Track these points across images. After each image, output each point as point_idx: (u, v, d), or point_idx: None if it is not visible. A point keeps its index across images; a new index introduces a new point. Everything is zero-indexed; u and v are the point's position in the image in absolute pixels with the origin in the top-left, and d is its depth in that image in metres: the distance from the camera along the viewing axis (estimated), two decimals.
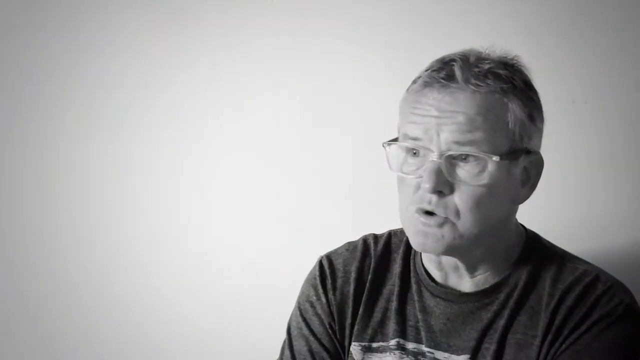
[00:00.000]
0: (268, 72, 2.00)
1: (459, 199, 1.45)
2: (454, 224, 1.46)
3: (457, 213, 1.46)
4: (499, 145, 1.46)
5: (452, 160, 1.45)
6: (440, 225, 1.46)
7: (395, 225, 1.62)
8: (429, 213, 1.46)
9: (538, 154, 1.52)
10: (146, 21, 2.03)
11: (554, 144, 1.67)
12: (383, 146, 1.51)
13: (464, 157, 1.45)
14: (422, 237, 1.47)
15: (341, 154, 1.99)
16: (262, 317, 2.03)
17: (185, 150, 2.04)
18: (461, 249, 1.49)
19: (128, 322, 2.10)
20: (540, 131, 1.52)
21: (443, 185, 1.45)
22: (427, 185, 1.44)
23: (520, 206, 1.57)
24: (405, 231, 1.52)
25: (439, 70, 1.48)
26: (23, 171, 2.10)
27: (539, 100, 1.52)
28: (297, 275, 1.74)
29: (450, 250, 1.48)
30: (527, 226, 1.62)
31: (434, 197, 1.45)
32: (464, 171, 1.45)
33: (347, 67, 1.97)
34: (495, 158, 1.44)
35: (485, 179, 1.45)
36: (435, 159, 1.45)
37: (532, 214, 1.64)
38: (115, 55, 2.05)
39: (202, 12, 2.01)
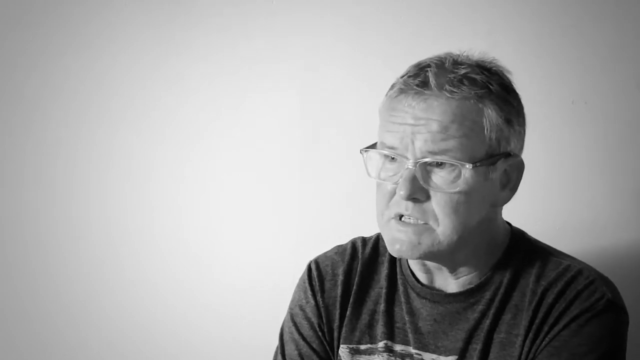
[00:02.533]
0: (268, 72, 2.00)
1: (437, 205, 1.45)
2: (433, 231, 1.46)
3: (436, 219, 1.46)
4: (475, 151, 1.45)
5: (427, 167, 1.45)
6: (418, 232, 1.46)
7: None
8: (406, 218, 1.47)
9: (518, 156, 1.51)
10: (145, 21, 2.03)
11: (554, 144, 1.67)
12: (360, 152, 1.52)
13: (439, 164, 1.45)
14: (399, 244, 1.47)
15: (340, 155, 1.99)
16: (260, 319, 2.03)
17: (184, 150, 2.04)
18: (440, 255, 1.48)
19: (128, 323, 2.10)
20: (519, 134, 1.50)
21: (418, 192, 1.45)
22: (402, 192, 1.44)
23: (518, 206, 1.57)
24: (383, 237, 1.52)
25: (414, 76, 1.47)
26: (23, 172, 2.10)
27: (519, 103, 1.51)
28: (296, 278, 1.74)
29: (429, 256, 1.48)
30: (525, 226, 1.61)
31: (410, 204, 1.45)
32: (439, 177, 1.45)
33: (346, 67, 1.97)
34: (469, 166, 1.44)
35: (460, 185, 1.44)
36: (410, 167, 1.45)
37: (529, 214, 1.65)
38: (115, 55, 2.05)
39: (202, 12, 2.01)
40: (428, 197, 1.45)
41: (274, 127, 2.01)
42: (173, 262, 2.07)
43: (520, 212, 1.60)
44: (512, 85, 1.51)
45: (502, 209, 1.55)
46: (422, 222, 1.46)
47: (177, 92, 2.03)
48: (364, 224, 1.76)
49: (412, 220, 1.46)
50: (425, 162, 1.44)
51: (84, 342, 2.10)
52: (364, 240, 1.65)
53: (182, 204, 2.06)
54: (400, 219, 1.48)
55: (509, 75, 1.51)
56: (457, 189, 1.44)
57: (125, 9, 2.04)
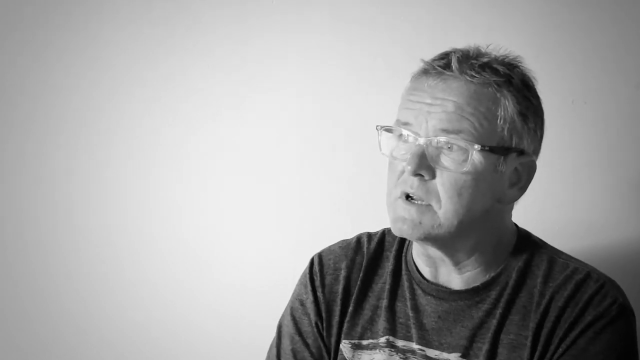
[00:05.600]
0: (267, 71, 2.00)
1: (441, 185, 1.47)
2: (434, 213, 1.47)
3: (439, 200, 1.47)
4: (486, 138, 1.47)
5: (437, 147, 1.47)
6: (421, 212, 1.47)
7: None
8: (411, 198, 1.48)
9: (531, 157, 1.52)
10: (145, 20, 2.03)
11: (554, 143, 1.67)
12: (376, 130, 1.54)
13: (450, 146, 1.47)
14: (401, 223, 1.49)
15: (340, 153, 1.99)
16: (260, 319, 2.03)
17: (184, 150, 2.05)
18: (441, 239, 1.49)
19: (128, 323, 2.10)
20: (534, 134, 1.52)
21: (425, 169, 1.47)
22: (409, 167, 1.46)
23: (518, 206, 1.57)
24: (388, 217, 1.52)
25: (438, 59, 1.51)
26: (22, 172, 2.10)
27: (538, 104, 1.53)
28: (296, 278, 1.74)
29: (429, 238, 1.49)
30: (526, 226, 1.61)
31: (416, 181, 1.47)
32: (448, 158, 1.47)
33: (346, 67, 1.97)
34: (477, 147, 1.45)
35: (467, 167, 1.46)
36: (420, 143, 1.47)
37: (530, 214, 1.65)
38: (114, 55, 2.05)
39: (201, 11, 2.01)
40: (433, 176, 1.47)
41: (273, 126, 2.01)
42: (173, 262, 2.07)
43: (520, 211, 1.60)
44: (533, 85, 1.53)
45: (511, 210, 1.56)
46: (425, 204, 1.47)
47: (177, 92, 2.04)
48: (364, 224, 1.76)
49: (416, 202, 1.48)
50: (436, 141, 1.46)
51: (84, 342, 2.10)
52: (370, 235, 1.66)
53: (182, 204, 2.06)
54: (406, 198, 1.49)
55: (532, 77, 1.54)
56: (464, 169, 1.45)
57: (125, 8, 2.04)
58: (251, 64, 2.01)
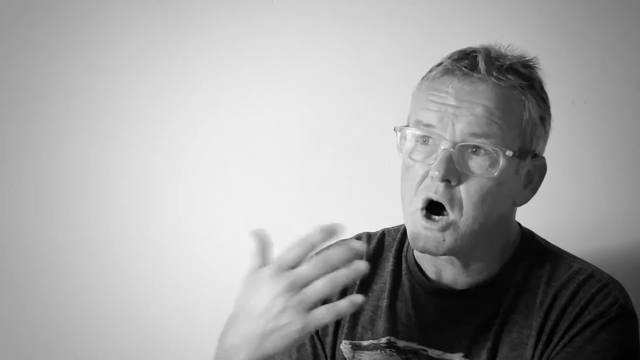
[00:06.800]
0: (267, 72, 2.00)
1: (466, 191, 1.43)
2: (456, 225, 1.44)
3: (461, 208, 1.44)
4: (512, 142, 1.44)
5: (464, 151, 1.44)
6: (443, 229, 1.44)
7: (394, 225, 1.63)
8: (432, 211, 1.44)
9: (543, 158, 1.52)
10: (145, 20, 2.03)
11: (554, 143, 1.67)
12: (394, 130, 1.49)
13: (475, 150, 1.44)
14: (423, 241, 1.45)
15: (341, 154, 1.99)
16: None
17: (184, 150, 2.04)
18: (462, 249, 1.47)
19: (128, 323, 2.09)
20: (547, 136, 1.52)
21: (452, 174, 1.43)
22: (436, 172, 1.42)
23: (519, 206, 1.56)
24: (406, 225, 1.49)
25: (460, 59, 1.47)
26: (22, 172, 2.10)
27: (549, 106, 1.53)
28: None
29: (452, 252, 1.46)
30: (528, 226, 1.61)
31: (441, 187, 1.43)
32: (475, 163, 1.44)
33: (347, 67, 1.97)
34: (509, 153, 1.43)
35: (495, 172, 1.43)
36: (448, 148, 1.43)
37: (532, 214, 1.64)
38: (114, 55, 2.05)
39: (201, 11, 2.01)
40: (459, 182, 1.43)
41: (273, 127, 2.01)
42: (173, 262, 2.06)
43: (521, 212, 1.60)
44: (545, 87, 1.52)
45: (516, 210, 1.55)
46: (445, 218, 1.44)
47: (177, 92, 2.03)
48: (364, 224, 1.76)
49: (436, 218, 1.44)
50: (464, 146, 1.43)
51: (84, 342, 2.10)
52: (369, 235, 1.64)
53: (181, 205, 2.06)
54: (426, 211, 1.45)
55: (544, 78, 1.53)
56: (492, 175, 1.43)
57: (125, 8, 2.04)
58: (251, 64, 2.01)
